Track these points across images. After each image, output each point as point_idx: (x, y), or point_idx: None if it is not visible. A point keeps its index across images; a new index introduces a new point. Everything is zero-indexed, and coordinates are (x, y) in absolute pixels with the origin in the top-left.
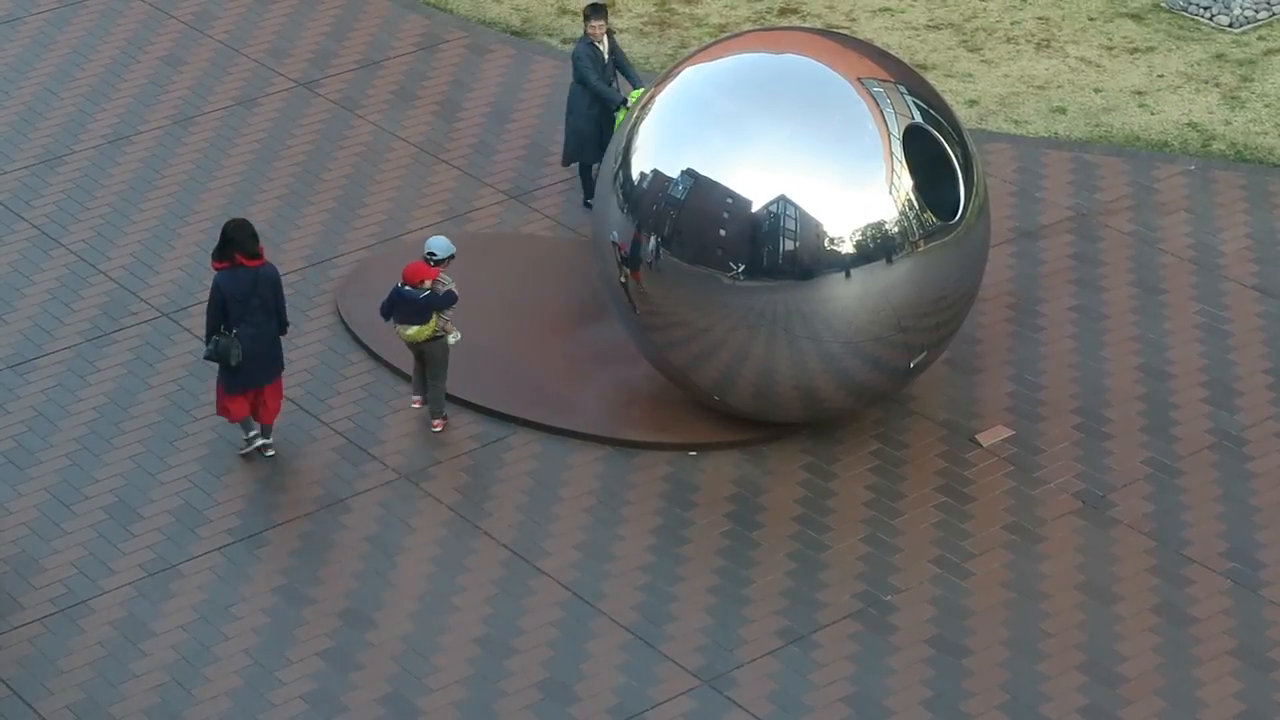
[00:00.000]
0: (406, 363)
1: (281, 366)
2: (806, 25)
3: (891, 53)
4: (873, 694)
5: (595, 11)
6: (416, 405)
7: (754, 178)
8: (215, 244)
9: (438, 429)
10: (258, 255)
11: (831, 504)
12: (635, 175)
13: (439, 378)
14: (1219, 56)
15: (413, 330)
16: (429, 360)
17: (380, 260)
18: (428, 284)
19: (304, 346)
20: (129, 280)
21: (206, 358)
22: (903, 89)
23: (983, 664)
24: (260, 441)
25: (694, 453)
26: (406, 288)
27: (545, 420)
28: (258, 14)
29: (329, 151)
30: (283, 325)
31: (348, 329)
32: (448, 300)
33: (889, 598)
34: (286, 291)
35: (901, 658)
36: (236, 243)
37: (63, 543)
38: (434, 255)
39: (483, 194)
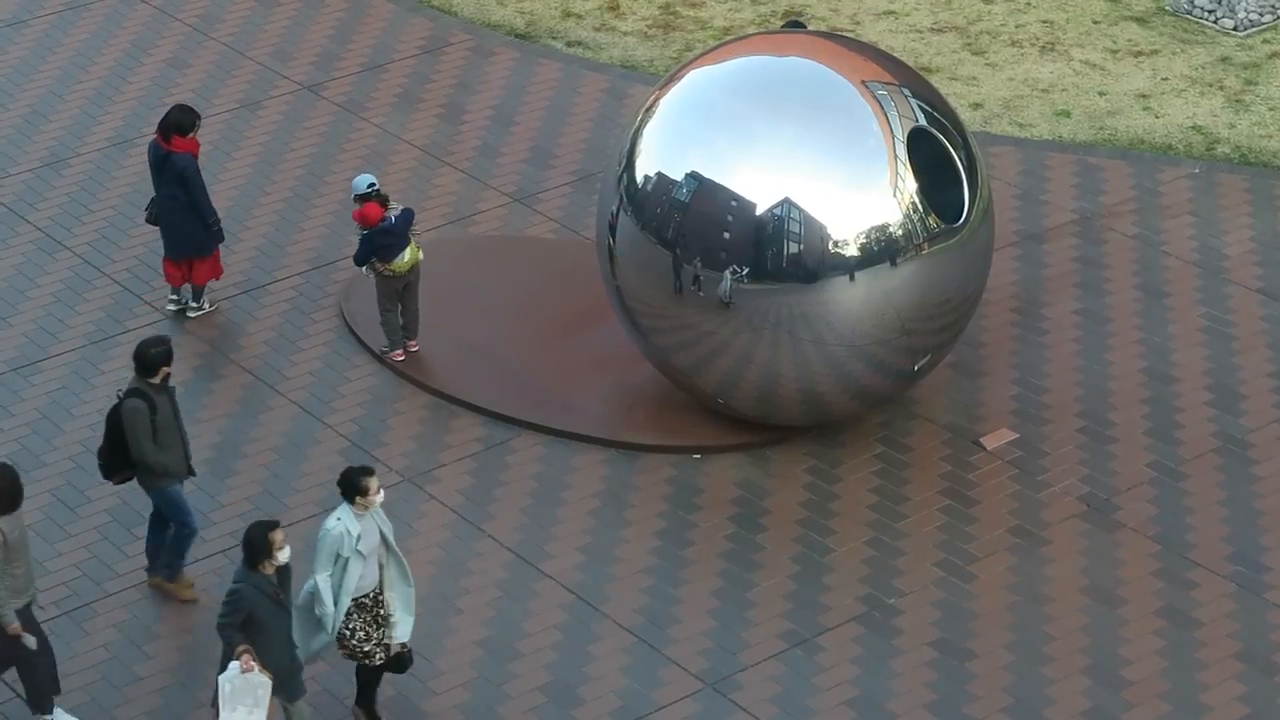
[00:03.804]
0: (410, 365)
1: (203, 251)
2: (810, 28)
3: (895, 56)
4: (876, 697)
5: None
6: (410, 350)
7: (758, 180)
8: None
9: (416, 349)
10: (169, 140)
11: (835, 507)
12: (640, 178)
13: (417, 297)
14: (1223, 60)
15: (409, 254)
16: (414, 284)
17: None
18: (395, 208)
19: (308, 349)
20: (133, 283)
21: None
22: (907, 92)
23: (987, 667)
24: (192, 304)
25: (698, 455)
26: (380, 226)
27: (549, 423)
28: (262, 17)
29: (333, 154)
30: (203, 220)
31: (351, 332)
32: (412, 212)
33: (893, 601)
34: (289, 295)
35: (905, 661)
36: (164, 120)
37: (66, 545)
38: (375, 185)
39: (487, 196)
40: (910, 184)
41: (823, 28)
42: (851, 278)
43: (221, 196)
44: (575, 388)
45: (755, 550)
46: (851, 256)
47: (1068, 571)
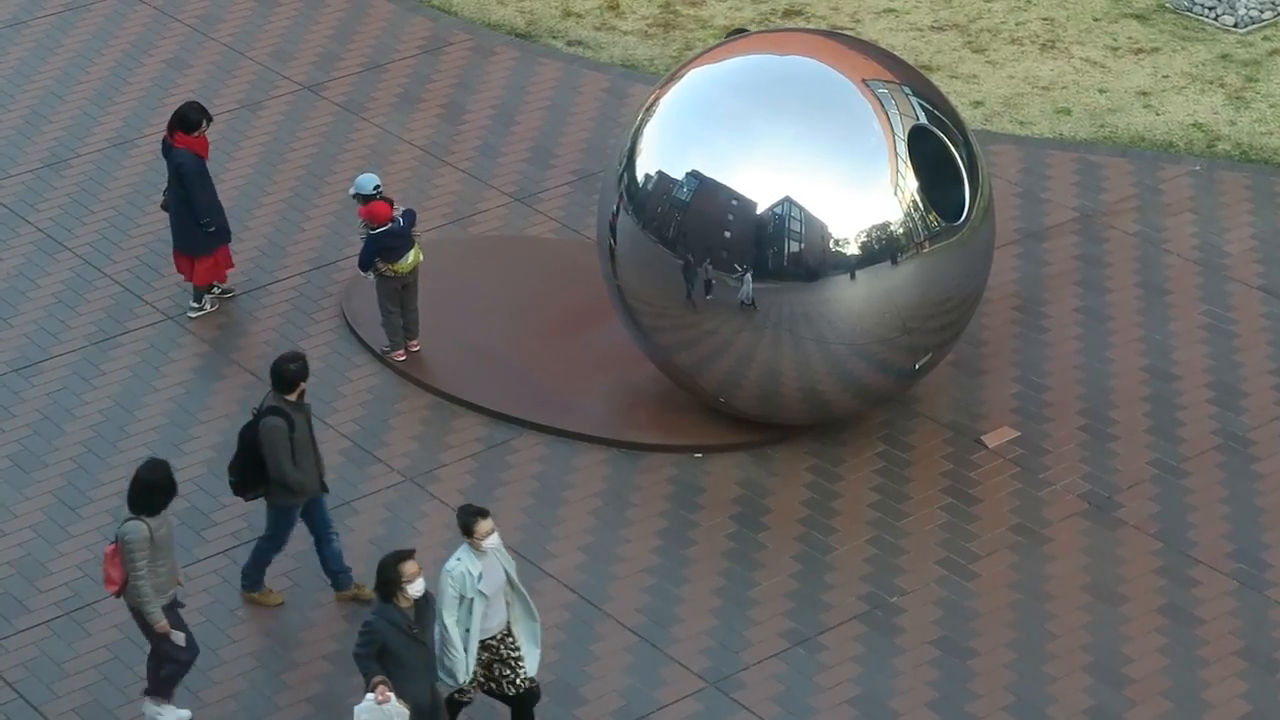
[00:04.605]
0: (411, 365)
1: (199, 250)
2: (811, 26)
3: (896, 54)
4: (878, 695)
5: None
6: (411, 350)
7: (759, 179)
8: None
9: (417, 349)
10: (173, 135)
11: (837, 506)
12: (640, 177)
13: (416, 297)
14: (1224, 57)
15: (412, 255)
16: (413, 285)
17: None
18: (398, 209)
19: (309, 349)
20: (134, 283)
21: None
22: (907, 90)
23: (988, 665)
24: (193, 304)
25: (699, 455)
26: (386, 226)
27: (550, 422)
28: (262, 17)
29: (333, 154)
30: (194, 217)
31: (352, 332)
32: (414, 213)
33: (894, 599)
34: (290, 295)
35: (907, 659)
36: (174, 115)
37: (68, 546)
38: (380, 187)
39: (488, 196)
40: (911, 182)
41: (823, 26)
42: (853, 276)
43: (223, 197)
44: (576, 387)
45: (757, 549)
46: (852, 255)
47: (1069, 569)
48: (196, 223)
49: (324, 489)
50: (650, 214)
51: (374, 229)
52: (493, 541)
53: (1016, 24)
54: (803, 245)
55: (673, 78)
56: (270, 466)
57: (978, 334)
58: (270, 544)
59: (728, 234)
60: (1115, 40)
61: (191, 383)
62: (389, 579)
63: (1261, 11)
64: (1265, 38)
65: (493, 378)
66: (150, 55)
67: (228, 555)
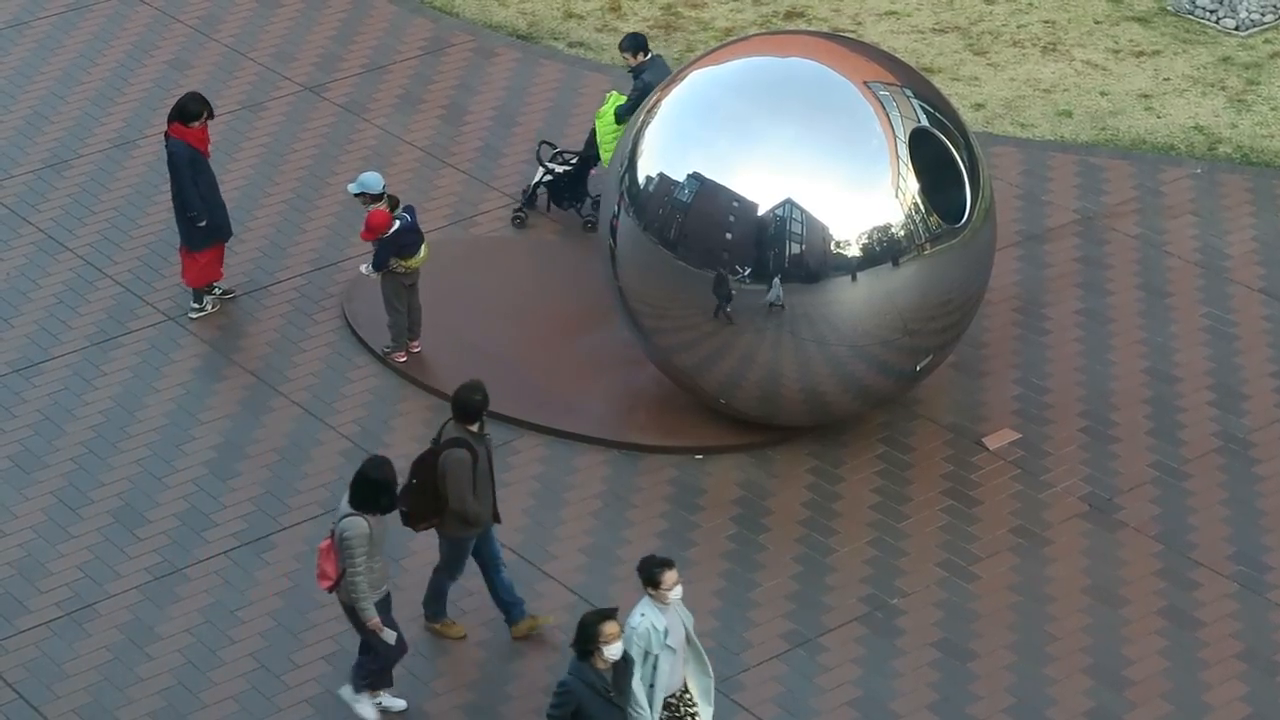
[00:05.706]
0: (412, 365)
1: (184, 243)
2: (812, 29)
3: (897, 56)
4: (879, 697)
5: (634, 40)
6: (412, 351)
7: (760, 181)
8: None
9: (418, 349)
10: (170, 125)
11: (837, 507)
12: (641, 178)
13: (418, 294)
14: (1225, 60)
15: (424, 250)
16: (417, 282)
17: None
18: (400, 207)
19: (310, 350)
20: (135, 284)
21: None
22: (909, 92)
23: (989, 667)
24: (193, 305)
25: (700, 456)
26: (395, 225)
27: (551, 424)
28: (263, 18)
29: (335, 155)
30: (183, 208)
31: (353, 332)
32: (413, 206)
33: (895, 601)
34: (291, 295)
35: (908, 661)
36: (174, 106)
37: (68, 547)
38: (385, 186)
39: (489, 197)
40: (912, 184)
41: (824, 28)
42: (854, 278)
43: (224, 197)
44: (577, 388)
45: (757, 550)
46: (854, 257)
47: (1070, 571)
48: (185, 215)
49: (497, 519)
50: (651, 215)
51: (383, 235)
52: (677, 593)
53: (1018, 27)
54: (804, 247)
55: (674, 79)
56: (452, 499)
57: (979, 336)
58: (446, 575)
59: (729, 235)
60: (1116, 43)
61: (192, 383)
62: (589, 637)
63: (1263, 15)
64: (1266, 40)
65: (493, 378)
66: (151, 56)
67: (228, 556)
